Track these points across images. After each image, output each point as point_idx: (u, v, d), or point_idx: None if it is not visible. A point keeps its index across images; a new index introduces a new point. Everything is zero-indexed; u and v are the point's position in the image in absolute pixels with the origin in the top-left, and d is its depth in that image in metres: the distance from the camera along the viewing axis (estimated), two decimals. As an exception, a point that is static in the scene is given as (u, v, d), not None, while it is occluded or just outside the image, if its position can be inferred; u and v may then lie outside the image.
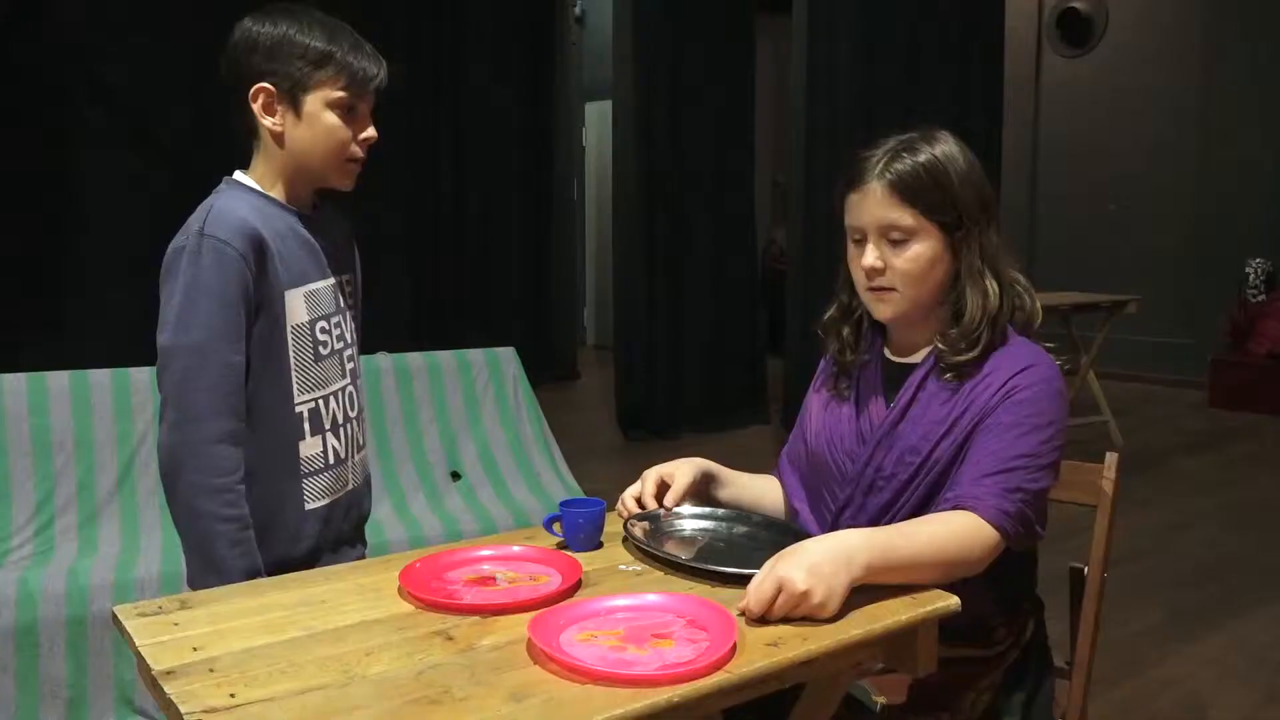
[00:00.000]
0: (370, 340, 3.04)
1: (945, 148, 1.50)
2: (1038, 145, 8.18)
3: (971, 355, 1.47)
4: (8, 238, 5.23)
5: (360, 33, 1.62)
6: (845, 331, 1.63)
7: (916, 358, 1.55)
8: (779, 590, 1.21)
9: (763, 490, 1.71)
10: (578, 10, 9.05)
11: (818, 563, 1.23)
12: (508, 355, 3.61)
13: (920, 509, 1.48)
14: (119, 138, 5.43)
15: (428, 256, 7.05)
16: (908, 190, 1.47)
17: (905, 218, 1.48)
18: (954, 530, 1.36)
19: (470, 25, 7.07)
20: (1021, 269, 1.56)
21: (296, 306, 1.55)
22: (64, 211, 5.40)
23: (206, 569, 1.46)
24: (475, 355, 3.56)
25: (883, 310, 1.54)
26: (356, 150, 1.58)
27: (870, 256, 1.50)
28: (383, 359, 3.38)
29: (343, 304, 1.66)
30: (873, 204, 1.50)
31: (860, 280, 1.54)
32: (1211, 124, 7.27)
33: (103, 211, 5.32)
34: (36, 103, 5.28)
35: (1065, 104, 8.04)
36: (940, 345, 1.50)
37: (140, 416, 2.92)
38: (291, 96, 1.52)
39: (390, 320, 6.09)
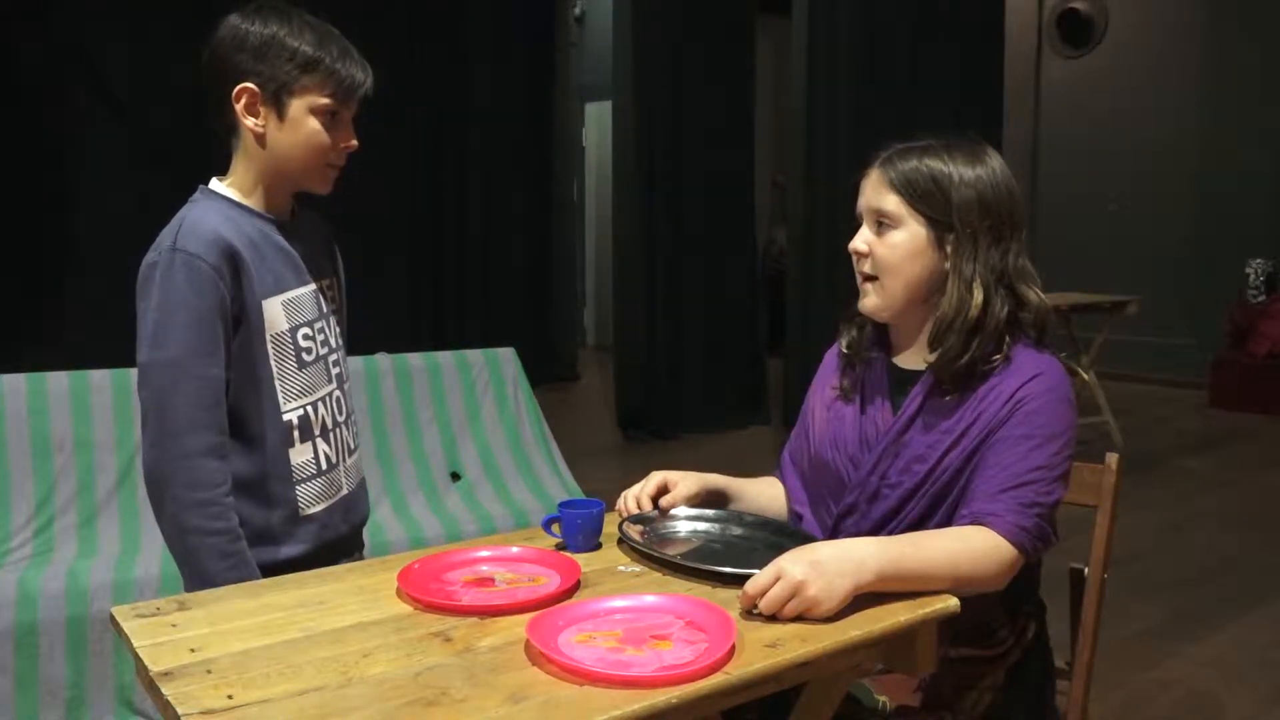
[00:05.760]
0: (370, 340, 3.06)
1: (965, 161, 1.50)
2: (1038, 145, 8.18)
3: (960, 364, 1.47)
4: (8, 238, 5.24)
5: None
6: (854, 330, 1.64)
7: (918, 364, 1.55)
8: (777, 579, 1.21)
9: (770, 498, 1.71)
10: (578, 10, 9.05)
11: (821, 560, 1.24)
12: (508, 355, 3.61)
13: (925, 517, 1.48)
14: (119, 137, 5.43)
15: (428, 257, 7.06)
16: (901, 180, 1.50)
17: (891, 204, 1.50)
18: (969, 545, 1.36)
19: (470, 25, 7.07)
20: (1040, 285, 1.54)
21: (275, 315, 1.54)
22: (64, 212, 5.40)
23: (198, 583, 1.45)
24: (475, 355, 3.56)
25: (865, 302, 1.56)
26: (335, 157, 1.57)
27: (856, 238, 1.55)
28: (383, 359, 3.38)
29: (325, 309, 1.65)
30: (869, 188, 1.55)
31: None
32: (1212, 124, 7.26)
33: (102, 211, 5.32)
34: (36, 103, 5.28)
35: (1065, 104, 8.04)
36: (934, 359, 1.50)
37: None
38: (276, 99, 1.51)
39: (390, 320, 6.10)
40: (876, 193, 1.52)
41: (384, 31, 6.25)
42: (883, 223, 1.52)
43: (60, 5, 5.28)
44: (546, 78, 7.69)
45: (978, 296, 1.47)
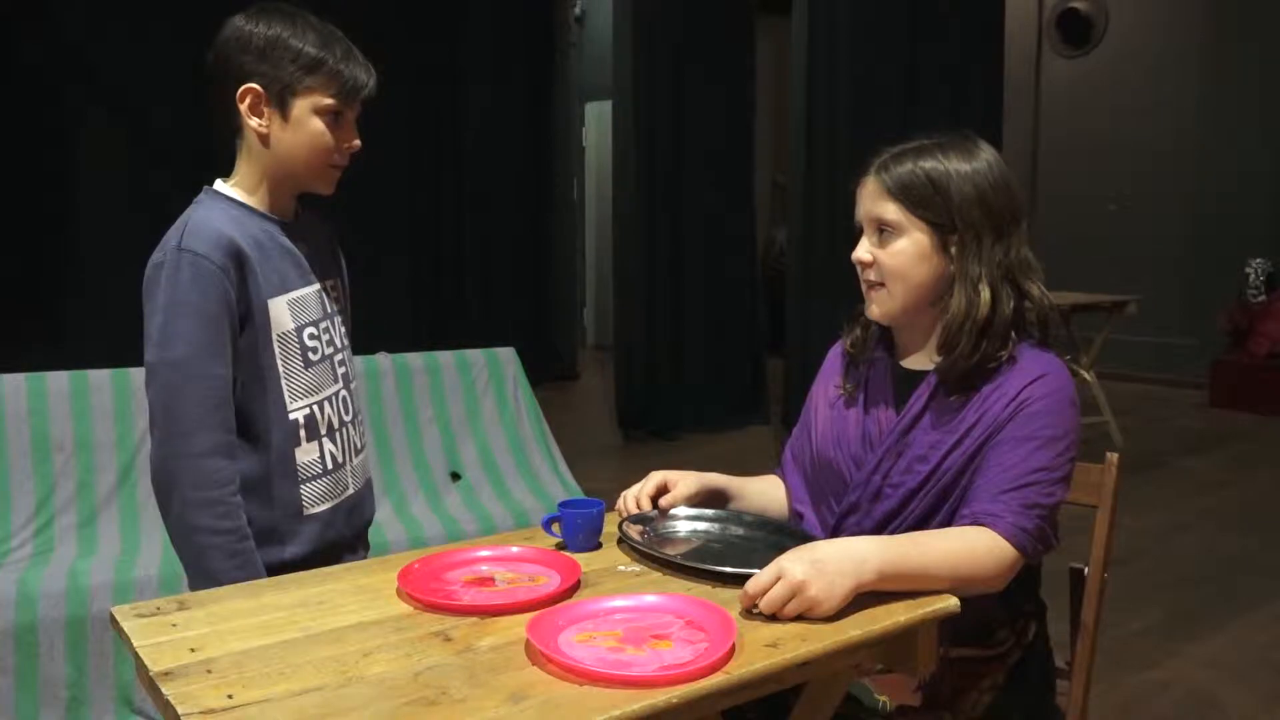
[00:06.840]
0: (370, 340, 3.06)
1: (959, 158, 1.49)
2: (1038, 145, 8.18)
3: (968, 365, 1.46)
4: (8, 238, 5.23)
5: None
6: (858, 329, 1.64)
7: (924, 365, 1.55)
8: (778, 579, 1.21)
9: (770, 497, 1.71)
10: (578, 10, 9.04)
11: (822, 559, 1.24)
12: (508, 355, 3.61)
13: (926, 518, 1.48)
14: (119, 138, 5.43)
15: (428, 256, 7.05)
16: (899, 186, 1.49)
17: (891, 212, 1.50)
18: (970, 546, 1.36)
19: (470, 25, 7.07)
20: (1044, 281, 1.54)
21: (281, 314, 1.55)
22: (64, 212, 5.40)
23: (204, 582, 1.45)
24: (475, 355, 3.56)
25: (872, 309, 1.56)
26: (339, 157, 1.57)
27: (859, 248, 1.54)
28: (383, 359, 3.38)
29: (330, 309, 1.65)
30: (866, 197, 1.54)
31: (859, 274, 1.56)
32: (1212, 124, 7.26)
33: (103, 211, 5.32)
34: (36, 103, 5.28)
35: (1065, 104, 8.03)
36: (939, 359, 1.50)
37: (140, 417, 2.92)
38: (280, 99, 1.52)
39: (390, 320, 6.10)
40: (875, 201, 1.51)
41: (385, 32, 6.24)
42: (884, 231, 1.51)
43: (60, 5, 5.27)
44: (546, 78, 7.69)
45: (985, 296, 1.47)
